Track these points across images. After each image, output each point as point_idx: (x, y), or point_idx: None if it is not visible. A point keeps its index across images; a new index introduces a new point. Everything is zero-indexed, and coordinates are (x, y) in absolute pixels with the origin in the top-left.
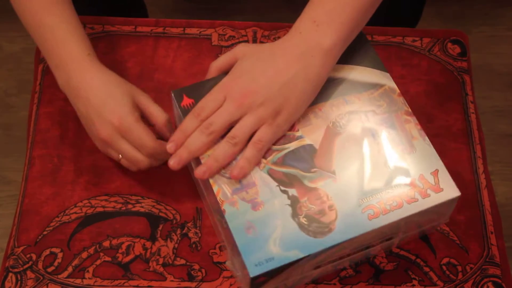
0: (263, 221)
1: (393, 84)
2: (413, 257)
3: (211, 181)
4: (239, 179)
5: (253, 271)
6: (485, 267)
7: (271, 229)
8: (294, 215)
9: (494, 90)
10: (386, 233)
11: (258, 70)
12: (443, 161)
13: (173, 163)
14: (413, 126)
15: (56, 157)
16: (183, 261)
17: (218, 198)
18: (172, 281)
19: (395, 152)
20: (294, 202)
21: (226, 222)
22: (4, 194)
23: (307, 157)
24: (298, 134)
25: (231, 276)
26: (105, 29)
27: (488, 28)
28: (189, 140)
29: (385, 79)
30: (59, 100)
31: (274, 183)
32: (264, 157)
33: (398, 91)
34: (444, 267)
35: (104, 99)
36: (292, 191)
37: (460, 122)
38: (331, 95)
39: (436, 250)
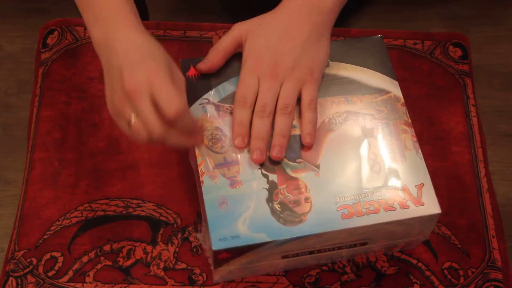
0: (238, 199)
1: (399, 93)
2: (414, 261)
3: (196, 152)
4: (313, 143)
5: (216, 245)
6: (486, 271)
7: (243, 209)
8: (269, 199)
9: (494, 90)
10: (358, 236)
11: (274, 42)
12: (444, 164)
13: (256, 156)
14: (409, 137)
15: (56, 161)
16: (184, 265)
17: (199, 169)
18: (173, 285)
19: (384, 159)
20: (272, 187)
21: (202, 194)
22: (4, 194)
23: (295, 147)
24: (293, 123)
25: (233, 281)
26: None
27: (488, 28)
28: (255, 130)
29: (392, 87)
30: (59, 103)
31: (257, 166)
32: None
33: (402, 100)
34: (445, 271)
35: (143, 56)
36: (273, 177)
37: (462, 126)
38: (334, 92)
39: (438, 254)
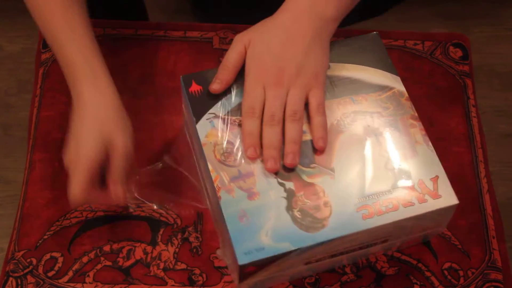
0: (257, 211)
1: (402, 88)
2: (414, 262)
3: (210, 168)
4: (325, 146)
5: (242, 259)
6: (486, 271)
7: (264, 220)
8: (289, 208)
9: (494, 90)
10: (380, 235)
11: (277, 48)
12: (444, 164)
13: (270, 165)
14: (417, 131)
15: (56, 161)
16: (184, 266)
17: (215, 185)
18: (173, 285)
19: (397, 155)
20: (290, 195)
21: (220, 209)
22: (4, 194)
23: (308, 152)
24: (302, 129)
25: (232, 281)
26: (106, 32)
27: (488, 28)
28: (266, 139)
29: (395, 82)
30: (59, 103)
31: (272, 175)
32: None
33: (406, 95)
34: (445, 272)
35: (80, 131)
36: (289, 184)
37: (462, 126)
38: (339, 94)
39: (438, 254)
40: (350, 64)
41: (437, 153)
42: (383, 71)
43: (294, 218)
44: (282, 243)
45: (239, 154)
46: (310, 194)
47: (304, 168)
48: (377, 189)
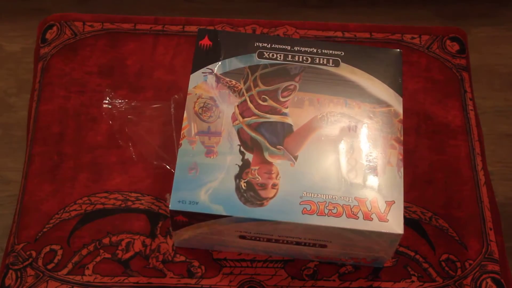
0: (208, 168)
1: (400, 109)
2: (412, 253)
3: (184, 115)
4: None
5: (173, 206)
6: (484, 263)
7: (210, 179)
8: (238, 176)
9: (494, 90)
10: (317, 236)
11: None
12: (441, 157)
13: None
14: (395, 154)
15: (55, 154)
16: (182, 258)
17: (182, 132)
18: (172, 277)
19: (363, 168)
20: (245, 166)
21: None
22: (4, 194)
23: (280, 133)
24: (285, 110)
25: (231, 273)
26: (104, 27)
27: (488, 28)
28: None
29: (396, 102)
30: (58, 97)
31: (237, 142)
32: (243, 116)
33: (401, 117)
34: (443, 263)
35: None
36: (249, 156)
37: (459, 119)
38: (335, 92)
39: (435, 246)
40: (359, 70)
41: (434, 146)
42: (389, 88)
43: (238, 187)
44: (216, 205)
45: (217, 112)
46: (263, 172)
47: (270, 147)
48: (329, 190)
